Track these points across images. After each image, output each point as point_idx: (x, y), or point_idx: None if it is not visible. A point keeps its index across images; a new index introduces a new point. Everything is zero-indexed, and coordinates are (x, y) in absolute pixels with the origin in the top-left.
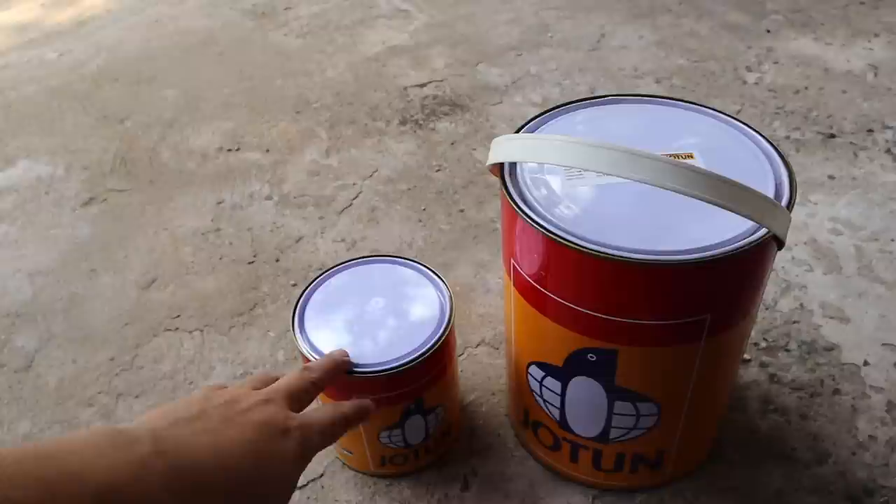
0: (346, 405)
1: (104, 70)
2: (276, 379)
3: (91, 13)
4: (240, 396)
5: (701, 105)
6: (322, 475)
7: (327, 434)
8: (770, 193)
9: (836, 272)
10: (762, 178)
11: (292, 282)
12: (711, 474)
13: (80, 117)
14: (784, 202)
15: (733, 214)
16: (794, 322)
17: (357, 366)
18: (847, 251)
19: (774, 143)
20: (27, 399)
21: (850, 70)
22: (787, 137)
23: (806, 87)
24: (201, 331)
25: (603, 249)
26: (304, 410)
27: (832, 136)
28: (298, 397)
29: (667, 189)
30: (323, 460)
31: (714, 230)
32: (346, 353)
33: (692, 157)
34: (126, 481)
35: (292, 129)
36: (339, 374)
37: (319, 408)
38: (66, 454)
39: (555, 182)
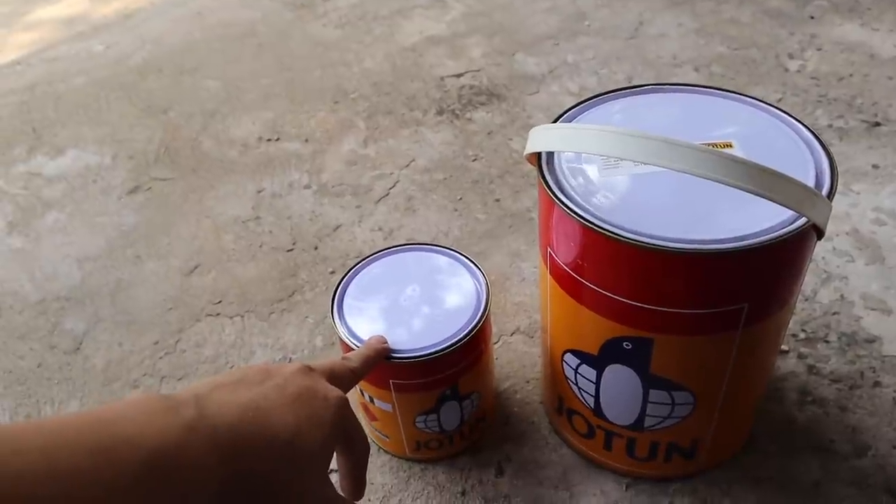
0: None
1: (148, 62)
2: None
3: (136, 6)
4: (280, 367)
5: (740, 93)
6: None
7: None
8: (810, 182)
9: (878, 263)
10: (802, 166)
11: (330, 269)
12: (746, 464)
13: (125, 108)
14: (824, 191)
15: (772, 203)
16: (835, 313)
17: (395, 351)
18: (890, 242)
19: (815, 132)
20: (76, 380)
21: None
22: (830, 126)
23: (850, 74)
24: (242, 316)
25: (640, 238)
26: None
27: (877, 124)
28: (338, 376)
29: (706, 178)
30: None
31: (752, 219)
32: (384, 339)
33: (731, 145)
34: (175, 443)
35: (331, 119)
36: (378, 362)
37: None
38: (121, 420)
39: (591, 171)
